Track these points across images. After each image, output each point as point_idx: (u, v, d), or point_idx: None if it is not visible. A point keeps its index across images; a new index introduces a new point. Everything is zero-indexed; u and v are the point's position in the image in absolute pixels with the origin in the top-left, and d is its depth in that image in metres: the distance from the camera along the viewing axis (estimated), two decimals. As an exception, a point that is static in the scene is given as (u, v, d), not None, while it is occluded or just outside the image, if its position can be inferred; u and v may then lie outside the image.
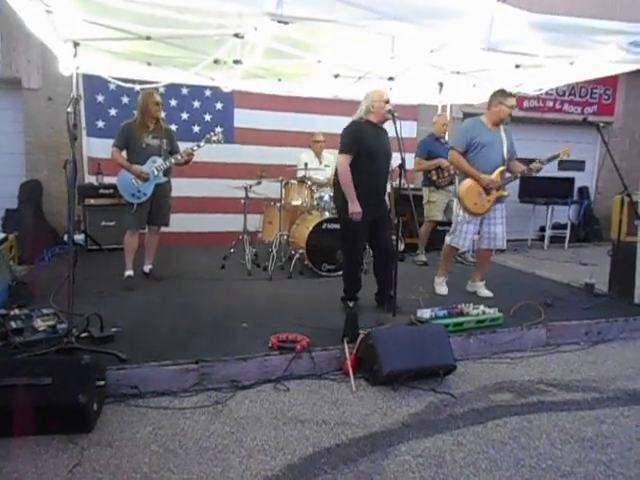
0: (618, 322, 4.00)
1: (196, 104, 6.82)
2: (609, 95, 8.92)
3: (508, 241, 4.54)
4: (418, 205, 5.61)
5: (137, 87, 5.04)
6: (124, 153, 4.54)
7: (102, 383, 2.59)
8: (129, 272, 4.63)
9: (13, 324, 3.19)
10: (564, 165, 7.89)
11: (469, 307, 3.77)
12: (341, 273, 4.32)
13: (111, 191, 5.97)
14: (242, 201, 5.44)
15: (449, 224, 4.73)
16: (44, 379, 2.36)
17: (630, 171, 7.15)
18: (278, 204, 5.39)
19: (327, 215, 5.22)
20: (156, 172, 4.50)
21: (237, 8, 2.94)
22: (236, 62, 4.16)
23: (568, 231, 8.35)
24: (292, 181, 5.47)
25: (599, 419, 2.71)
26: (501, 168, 4.31)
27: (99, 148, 6.28)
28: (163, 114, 4.93)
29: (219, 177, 6.74)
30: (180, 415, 2.61)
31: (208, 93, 6.77)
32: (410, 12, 3.03)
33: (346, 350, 3.10)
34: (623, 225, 4.54)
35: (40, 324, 3.21)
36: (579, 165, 9.07)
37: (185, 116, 6.79)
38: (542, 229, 8.58)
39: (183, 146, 4.71)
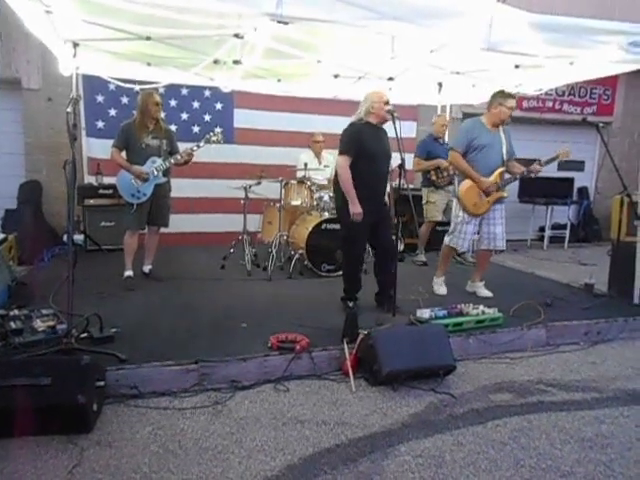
0: (618, 322, 4.00)
1: (196, 104, 6.82)
2: (608, 95, 8.93)
3: (508, 241, 4.54)
4: (418, 205, 5.62)
5: (137, 87, 5.05)
6: (124, 153, 4.53)
7: (102, 383, 2.58)
8: (129, 272, 4.63)
9: (13, 324, 3.19)
10: (564, 165, 7.89)
11: (469, 307, 3.77)
12: (341, 273, 4.33)
13: (111, 191, 5.96)
14: (242, 201, 5.44)
15: (449, 224, 4.73)
16: (44, 379, 2.36)
17: (629, 171, 7.11)
18: (278, 204, 5.39)
19: (327, 215, 5.22)
20: (156, 172, 4.50)
21: (237, 8, 2.93)
22: (236, 62, 4.16)
23: (568, 231, 8.35)
24: (292, 181, 5.47)
25: (599, 419, 2.71)
26: (500, 169, 4.31)
27: (99, 148, 6.28)
28: (163, 114, 4.93)
29: (219, 177, 6.73)
30: (180, 415, 2.61)
31: (208, 93, 6.77)
32: (410, 12, 3.03)
33: (346, 350, 3.10)
34: (623, 225, 4.54)
35: (40, 324, 3.20)
36: (578, 165, 9.07)
37: (185, 116, 6.79)
38: (542, 229, 8.58)
39: (183, 146, 4.70)
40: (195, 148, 4.62)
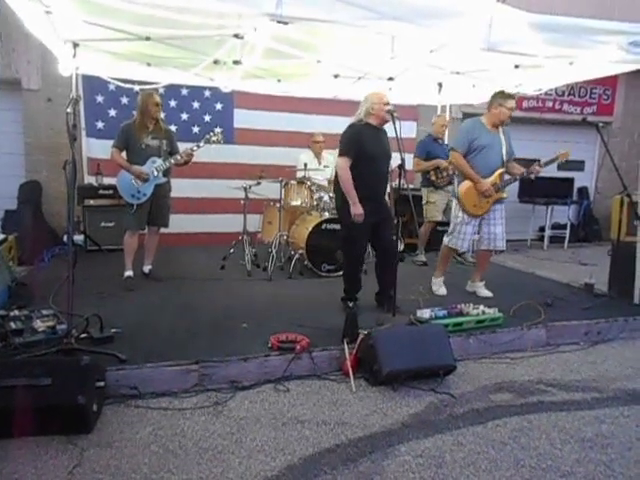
0: (618, 322, 4.00)
1: (196, 105, 6.82)
2: (608, 95, 8.93)
3: (508, 241, 4.54)
4: (417, 205, 5.62)
5: (137, 88, 5.05)
6: (124, 154, 4.53)
7: (102, 384, 2.58)
8: (129, 273, 4.63)
9: (13, 325, 3.18)
10: (564, 165, 7.82)
11: (469, 307, 3.77)
12: (341, 273, 4.33)
13: (111, 192, 5.96)
14: (242, 201, 5.44)
15: (449, 224, 4.73)
16: (44, 380, 2.36)
17: (629, 171, 7.11)
18: (278, 204, 5.39)
19: (327, 215, 5.22)
20: (156, 173, 4.50)
21: (237, 9, 2.94)
22: (236, 62, 4.16)
23: (568, 231, 8.35)
24: (292, 181, 5.47)
25: (599, 419, 2.71)
26: (500, 170, 4.31)
27: (99, 149, 6.28)
28: (163, 115, 4.92)
29: (219, 177, 6.73)
30: (180, 416, 2.61)
31: (208, 94, 6.77)
32: (410, 12, 3.03)
33: (346, 350, 3.10)
34: (623, 225, 4.54)
35: (40, 325, 3.20)
36: (578, 165, 9.07)
37: (185, 117, 6.79)
38: (542, 229, 8.58)
39: (183, 147, 4.70)
40: (195, 148, 4.62)
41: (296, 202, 5.44)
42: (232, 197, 6.04)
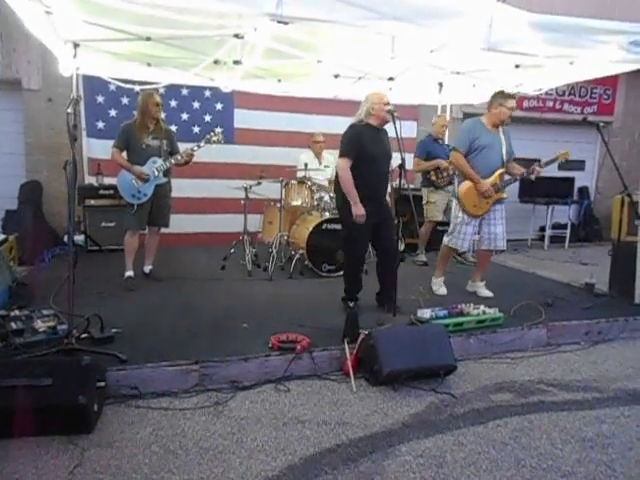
0: (618, 322, 4.00)
1: (196, 105, 6.82)
2: (609, 95, 8.93)
3: (508, 241, 4.54)
4: (418, 205, 5.61)
5: (137, 88, 5.05)
6: (124, 154, 4.54)
7: (102, 384, 2.59)
8: (129, 273, 4.63)
9: (13, 325, 3.19)
10: (564, 165, 7.82)
11: (469, 307, 3.77)
12: (341, 273, 4.32)
13: (111, 192, 5.97)
14: (242, 201, 5.44)
15: (449, 224, 4.73)
16: (44, 380, 2.36)
17: (630, 171, 7.15)
18: (278, 204, 5.39)
19: (327, 215, 5.22)
20: (156, 173, 4.50)
21: (237, 9, 2.94)
22: (236, 62, 4.16)
23: (568, 231, 8.35)
24: (292, 181, 5.47)
25: (600, 419, 2.71)
26: (500, 170, 4.30)
27: (99, 149, 6.29)
28: (163, 115, 4.92)
29: (219, 178, 6.73)
30: (180, 416, 2.61)
31: (208, 94, 6.77)
32: (410, 12, 3.03)
33: (346, 350, 3.10)
34: (623, 225, 4.54)
35: (40, 325, 3.20)
36: (579, 165, 9.06)
37: (185, 117, 6.79)
38: (542, 229, 8.58)
39: (183, 147, 4.70)
40: (195, 148, 4.62)
41: (296, 202, 5.44)
42: (232, 197, 6.04)
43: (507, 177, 4.37)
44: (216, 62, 4.22)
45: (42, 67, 6.14)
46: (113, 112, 6.45)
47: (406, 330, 3.35)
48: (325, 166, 5.92)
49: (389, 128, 3.82)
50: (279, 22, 2.87)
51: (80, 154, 6.21)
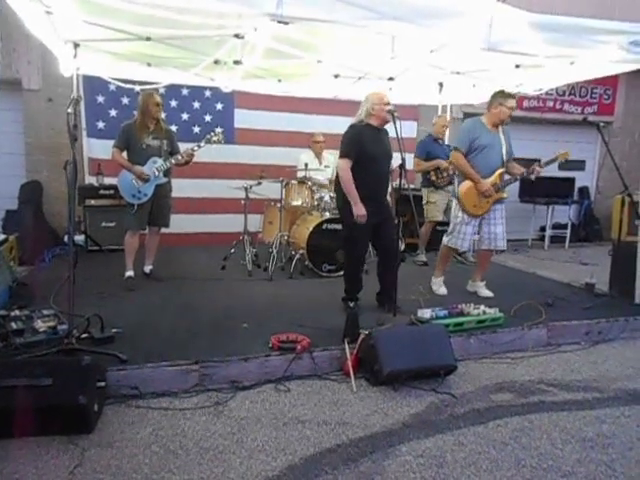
0: (619, 322, 4.00)
1: (196, 105, 6.82)
2: (609, 95, 8.92)
3: (508, 241, 4.54)
4: (418, 205, 5.62)
5: (137, 88, 5.05)
6: (124, 154, 4.54)
7: (103, 384, 2.59)
8: (129, 273, 4.63)
9: (14, 325, 3.19)
10: (564, 165, 7.82)
11: (470, 307, 3.77)
12: (341, 273, 4.32)
13: (111, 192, 5.97)
14: (242, 201, 5.43)
15: (449, 224, 4.73)
16: (45, 380, 2.36)
17: (630, 171, 7.15)
18: (278, 204, 5.39)
19: (327, 215, 5.22)
20: (156, 173, 4.50)
21: (237, 9, 2.93)
22: (236, 62, 4.16)
23: (568, 231, 8.34)
24: (292, 181, 5.47)
25: (600, 419, 2.71)
26: (500, 170, 4.30)
27: (99, 149, 6.29)
28: (163, 115, 4.93)
29: (219, 178, 6.73)
30: (181, 416, 2.61)
31: (208, 94, 6.77)
32: (410, 12, 3.03)
33: (347, 350, 3.10)
34: (623, 225, 4.54)
35: (40, 325, 3.21)
36: (579, 165, 9.06)
37: (185, 117, 6.79)
38: (542, 229, 8.58)
39: (183, 147, 4.71)
40: (196, 148, 4.62)
41: (297, 202, 5.44)
42: (233, 197, 6.04)
43: (507, 177, 4.37)
44: (216, 62, 4.22)
45: (42, 67, 6.14)
46: (113, 112, 6.45)
47: (406, 330, 3.35)
48: (325, 166, 5.92)
49: (389, 128, 3.82)
50: (279, 22, 2.87)
51: (80, 154, 6.21)
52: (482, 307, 3.80)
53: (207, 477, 2.13)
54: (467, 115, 6.85)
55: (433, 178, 5.83)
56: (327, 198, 5.40)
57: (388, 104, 3.80)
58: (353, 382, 2.97)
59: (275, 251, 5.31)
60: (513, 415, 2.72)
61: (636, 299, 4.42)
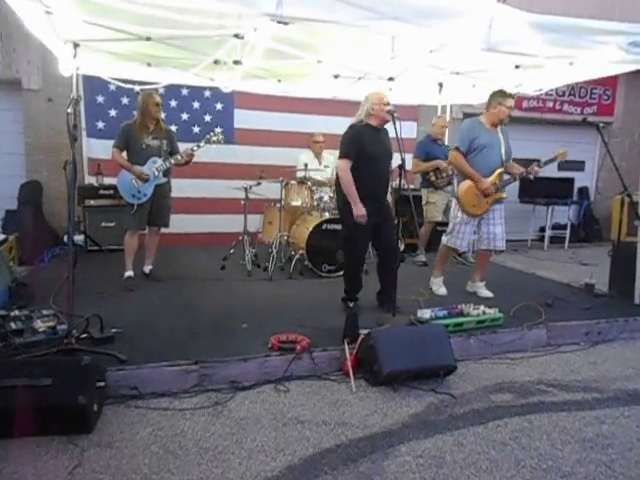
0: (618, 322, 4.00)
1: (196, 105, 6.82)
2: (609, 95, 8.93)
3: (508, 241, 4.54)
4: (418, 206, 5.61)
5: (137, 88, 5.06)
6: (124, 154, 4.54)
7: (102, 384, 2.58)
8: (129, 273, 4.63)
9: (13, 325, 3.18)
10: (564, 165, 7.87)
11: (469, 307, 3.77)
12: (341, 273, 4.32)
13: (111, 192, 5.97)
14: (242, 202, 5.43)
15: (449, 224, 4.73)
16: (44, 380, 2.36)
17: (630, 171, 7.11)
18: (278, 205, 5.39)
19: (327, 215, 5.22)
20: (156, 173, 4.50)
21: (237, 9, 2.93)
22: (236, 63, 4.17)
23: (568, 231, 8.35)
24: (292, 182, 5.47)
25: (599, 419, 2.71)
26: (499, 170, 4.30)
27: (99, 149, 6.29)
28: (163, 115, 4.92)
29: (219, 178, 6.73)
30: (180, 416, 2.61)
31: (208, 94, 6.77)
32: (410, 12, 3.03)
33: (346, 351, 3.10)
34: (623, 225, 4.54)
35: (40, 325, 3.20)
36: (579, 165, 9.07)
37: (185, 117, 6.79)
38: (542, 229, 8.58)
39: (183, 147, 4.71)
40: (195, 148, 4.62)
41: (296, 202, 5.44)
42: (232, 197, 6.02)
43: (506, 177, 4.37)
44: (216, 62, 4.23)
45: (42, 67, 6.14)
46: (113, 112, 6.45)
47: (406, 330, 3.35)
48: (325, 166, 5.92)
49: (389, 128, 3.82)
50: (279, 22, 2.87)
51: (80, 154, 6.21)
52: (482, 307, 3.80)
53: (206, 477, 2.13)
54: (467, 115, 6.85)
55: (432, 178, 5.83)
56: (327, 198, 5.40)
57: (388, 104, 3.80)
58: (352, 382, 2.97)
59: (275, 251, 5.31)
60: (513, 415, 2.72)
61: (636, 299, 4.43)
